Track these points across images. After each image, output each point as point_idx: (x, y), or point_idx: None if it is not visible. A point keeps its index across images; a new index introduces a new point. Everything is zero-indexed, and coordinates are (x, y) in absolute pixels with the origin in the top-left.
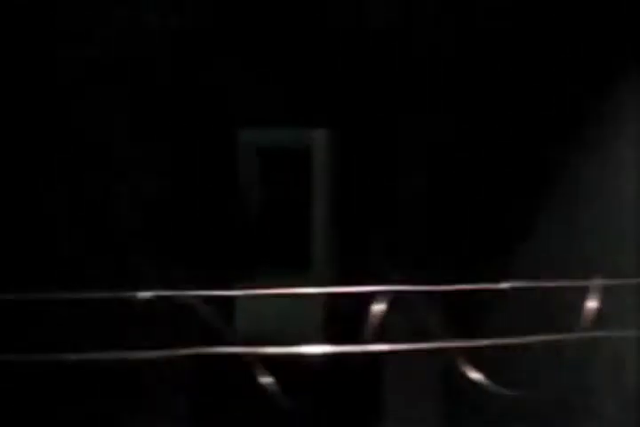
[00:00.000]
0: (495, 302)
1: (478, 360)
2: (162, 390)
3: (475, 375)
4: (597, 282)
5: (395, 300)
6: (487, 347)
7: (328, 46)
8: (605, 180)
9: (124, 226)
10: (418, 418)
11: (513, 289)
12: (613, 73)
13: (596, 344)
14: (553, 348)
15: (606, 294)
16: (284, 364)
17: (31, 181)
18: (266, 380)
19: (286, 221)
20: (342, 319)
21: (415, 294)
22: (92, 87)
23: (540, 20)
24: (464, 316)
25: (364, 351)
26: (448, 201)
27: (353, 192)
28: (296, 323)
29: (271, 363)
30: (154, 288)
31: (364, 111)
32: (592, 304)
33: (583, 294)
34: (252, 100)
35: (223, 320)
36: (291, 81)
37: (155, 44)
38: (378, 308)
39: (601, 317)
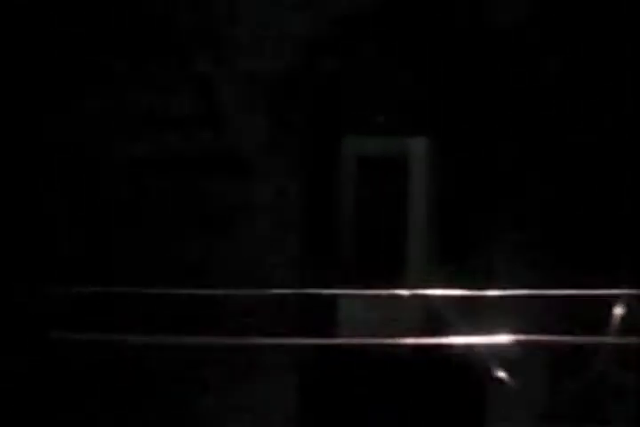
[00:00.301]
0: None
1: None
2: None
3: None
4: None
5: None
6: None
7: (427, 55)
8: None
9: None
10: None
11: None
12: None
13: None
14: None
15: None
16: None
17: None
18: (499, 372)
19: (383, 228)
20: (436, 322)
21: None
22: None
23: None
24: None
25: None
26: (551, 208)
27: (450, 201)
28: (394, 326)
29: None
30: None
31: (463, 119)
32: None
33: None
34: (351, 107)
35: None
36: (390, 88)
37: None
38: (619, 309)
39: None
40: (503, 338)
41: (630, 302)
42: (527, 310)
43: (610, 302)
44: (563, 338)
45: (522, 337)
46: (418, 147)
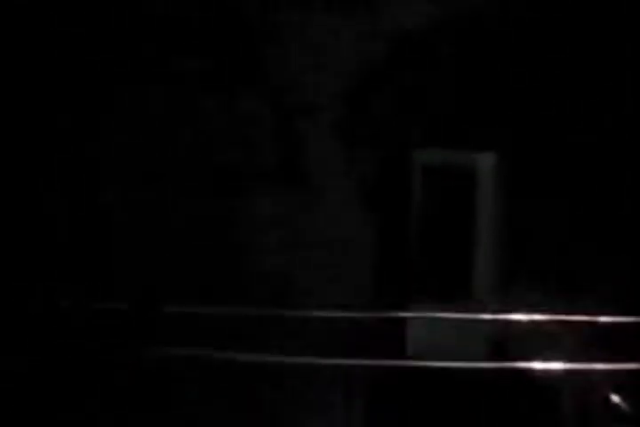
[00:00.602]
0: None
1: None
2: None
3: None
4: None
5: None
6: None
7: (499, 73)
8: None
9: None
10: None
11: None
12: None
13: None
14: None
15: None
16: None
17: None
18: (615, 398)
19: (449, 241)
20: (507, 345)
21: None
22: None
23: None
24: None
25: None
26: (622, 225)
27: (517, 215)
28: (461, 346)
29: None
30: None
31: (532, 136)
32: None
33: None
34: (422, 121)
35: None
36: (460, 104)
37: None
38: None
39: None
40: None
41: None
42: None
43: None
44: None
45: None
46: (486, 162)
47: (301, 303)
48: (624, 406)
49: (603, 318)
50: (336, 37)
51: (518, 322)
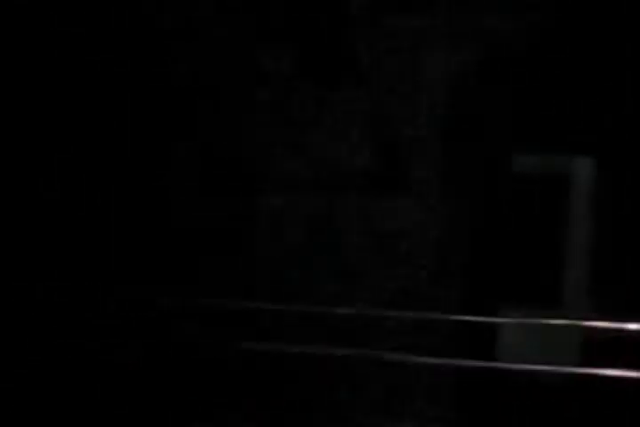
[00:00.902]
0: None
1: None
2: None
3: None
4: None
5: None
6: None
7: (593, 76)
8: None
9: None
10: None
11: None
12: None
13: None
14: None
15: None
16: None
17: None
18: None
19: (542, 247)
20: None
21: None
22: None
23: None
24: None
25: None
26: None
27: (611, 221)
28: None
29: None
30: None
31: (628, 140)
32: None
33: None
34: (514, 126)
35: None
36: (553, 108)
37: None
38: None
39: None
40: None
41: None
42: None
43: None
44: None
45: None
46: (582, 167)
47: (393, 305)
48: None
49: None
50: (435, 40)
51: (607, 329)
